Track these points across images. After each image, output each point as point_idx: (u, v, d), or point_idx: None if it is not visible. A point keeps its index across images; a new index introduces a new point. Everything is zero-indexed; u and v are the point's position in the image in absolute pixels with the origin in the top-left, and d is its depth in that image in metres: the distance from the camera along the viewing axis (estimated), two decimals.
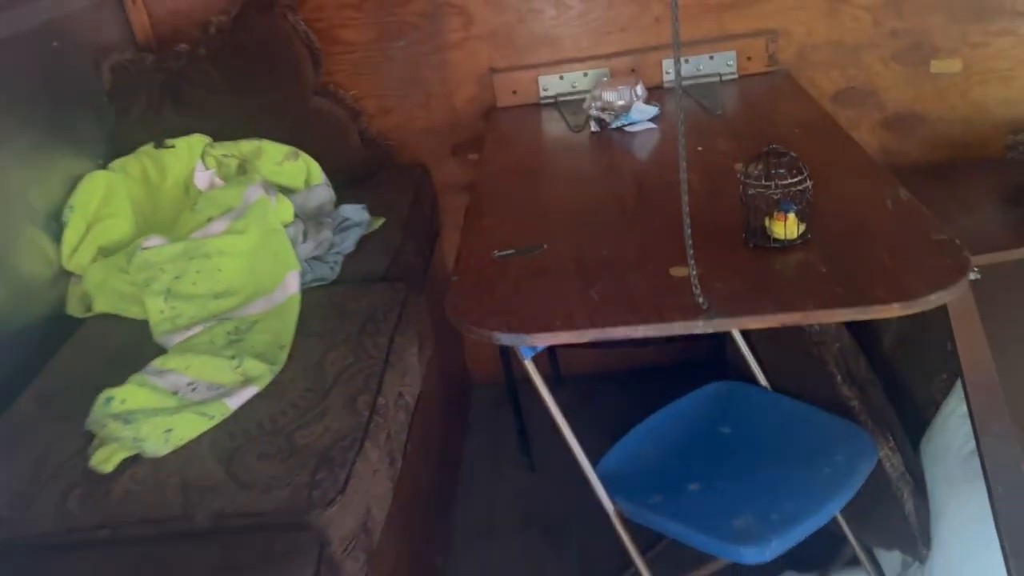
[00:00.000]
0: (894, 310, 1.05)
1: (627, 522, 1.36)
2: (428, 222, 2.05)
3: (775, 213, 1.21)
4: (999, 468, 1.28)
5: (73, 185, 1.69)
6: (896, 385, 1.68)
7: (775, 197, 1.20)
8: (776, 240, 1.21)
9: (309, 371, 1.32)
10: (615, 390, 2.28)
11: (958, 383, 1.51)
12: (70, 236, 1.62)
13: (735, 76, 2.01)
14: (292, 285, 1.48)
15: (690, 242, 1.09)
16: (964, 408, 1.46)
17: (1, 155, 1.56)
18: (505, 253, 1.33)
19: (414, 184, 2.08)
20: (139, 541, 1.06)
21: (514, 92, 2.07)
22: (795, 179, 1.19)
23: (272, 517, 1.06)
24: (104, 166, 1.77)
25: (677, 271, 1.19)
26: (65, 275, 1.64)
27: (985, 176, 1.98)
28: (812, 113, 1.77)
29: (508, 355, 2.05)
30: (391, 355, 1.38)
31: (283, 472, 1.11)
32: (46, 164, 1.68)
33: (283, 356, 1.33)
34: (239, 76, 1.96)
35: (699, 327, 1.08)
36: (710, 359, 2.05)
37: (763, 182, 1.20)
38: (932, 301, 1.05)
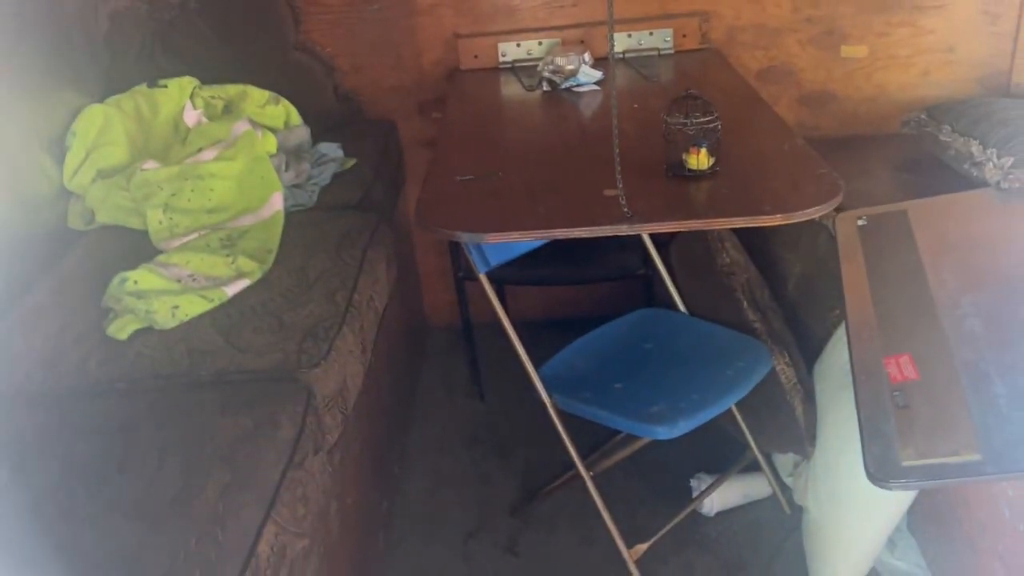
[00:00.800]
0: (777, 220, 1.31)
1: (563, 415, 1.61)
2: (395, 171, 2.27)
3: (690, 148, 1.47)
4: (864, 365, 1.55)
5: (74, 116, 1.87)
6: (798, 320, 1.96)
7: (690, 133, 1.45)
8: (690, 170, 1.47)
9: (294, 272, 1.53)
10: (559, 333, 2.52)
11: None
12: (72, 159, 1.80)
13: (671, 51, 2.27)
14: (277, 203, 1.69)
15: (619, 168, 1.33)
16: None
17: (10, 85, 1.73)
18: (466, 177, 1.56)
19: (383, 137, 2.30)
20: (152, 391, 1.26)
21: (476, 56, 2.30)
22: (707, 118, 1.45)
23: (267, 374, 1.27)
24: (101, 101, 1.95)
25: (609, 192, 1.44)
26: (66, 194, 1.82)
27: (882, 148, 2.27)
28: (735, 83, 2.04)
29: (465, 298, 2.28)
30: (364, 264, 1.60)
31: (275, 341, 1.32)
32: (49, 96, 1.86)
33: (271, 258, 1.54)
34: (225, 28, 2.15)
35: (624, 229, 1.33)
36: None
37: (681, 120, 1.46)
38: (808, 214, 1.31)
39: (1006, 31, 2.25)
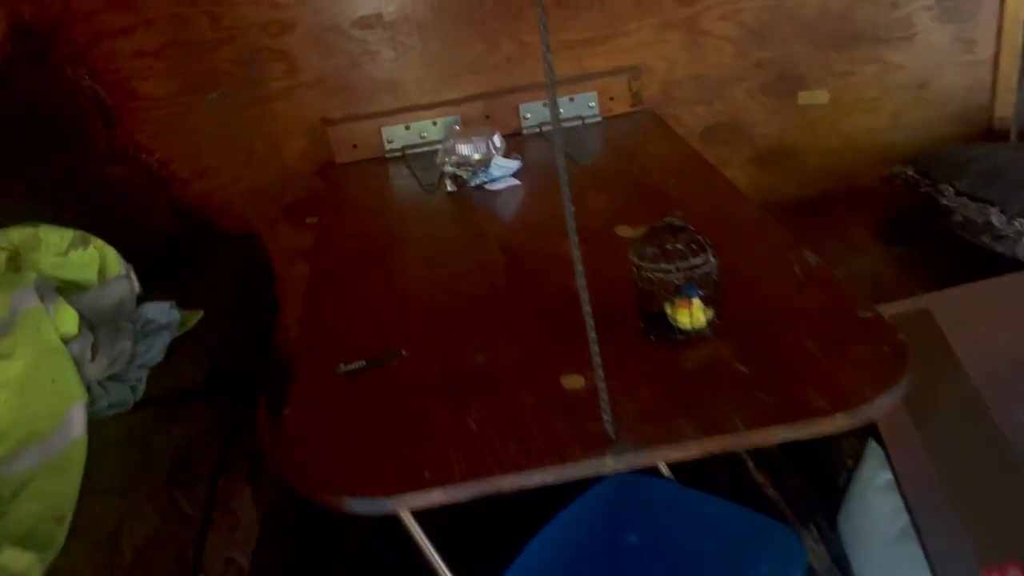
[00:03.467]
0: (839, 422, 0.85)
1: None
2: (261, 302, 1.74)
3: (677, 299, 1.00)
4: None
5: None
6: (802, 448, 1.53)
7: (676, 282, 0.99)
8: (681, 331, 1.01)
9: (99, 549, 0.99)
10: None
11: (868, 445, 1.37)
12: None
13: (598, 118, 1.82)
14: (76, 424, 1.14)
15: (602, 384, 0.85)
16: (882, 479, 1.31)
17: None
18: (353, 367, 1.06)
19: (242, 257, 1.77)
20: None
21: (354, 146, 1.80)
22: (698, 259, 0.99)
23: None
24: None
25: (570, 382, 0.96)
26: None
27: (859, 209, 1.88)
28: (685, 157, 1.61)
29: None
30: (214, 508, 1.07)
31: None
32: None
33: (61, 534, 0.99)
34: (7, 144, 1.58)
35: (608, 465, 0.85)
36: None
37: (661, 264, 0.99)
38: (880, 406, 0.86)
39: (984, 58, 1.90)
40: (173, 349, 1.37)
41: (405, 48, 1.77)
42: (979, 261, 1.57)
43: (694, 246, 1.00)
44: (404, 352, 1.07)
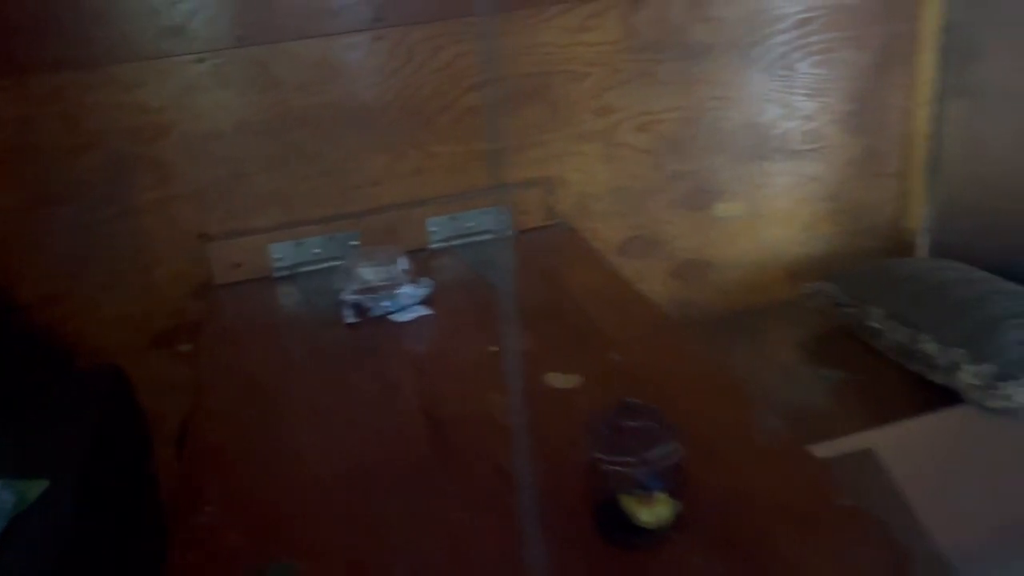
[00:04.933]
0: None
1: None
2: (125, 452, 1.47)
3: (637, 493, 0.85)
4: None
5: None
6: None
7: (636, 476, 0.84)
8: (642, 530, 0.85)
9: None
10: None
11: None
12: None
13: (511, 233, 1.68)
14: None
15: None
16: None
17: None
18: None
19: (101, 396, 1.50)
20: None
21: (237, 265, 1.58)
22: (665, 447, 0.84)
23: None
24: None
25: None
26: None
27: (779, 325, 1.81)
28: (607, 279, 1.48)
29: None
30: None
31: None
32: None
33: None
34: None
35: None
36: None
37: (622, 456, 0.83)
38: None
39: (893, 172, 1.89)
40: (8, 533, 1.10)
41: (298, 157, 1.59)
42: (914, 387, 1.50)
43: (657, 430, 0.85)
44: (299, 566, 0.87)
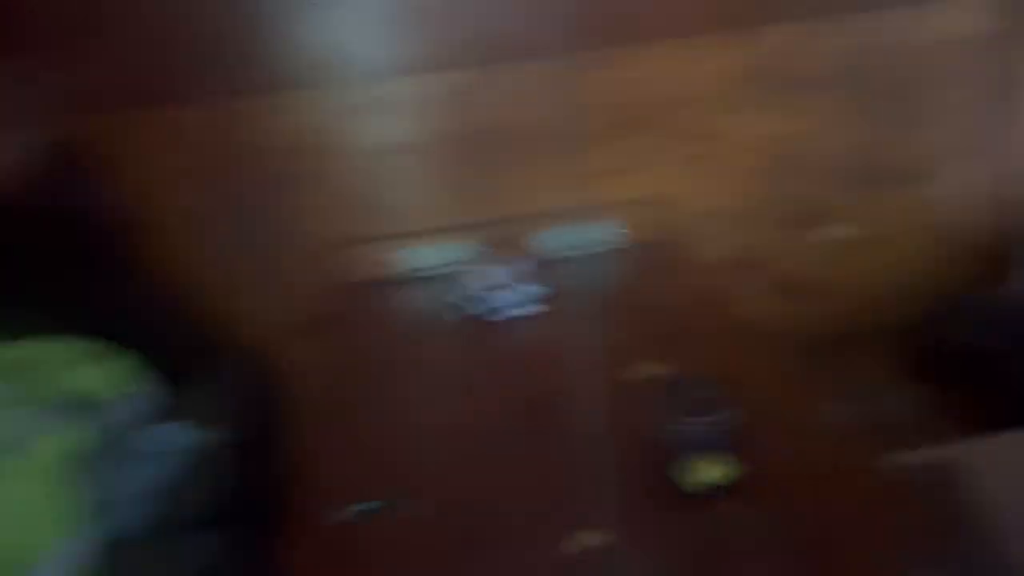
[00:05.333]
0: None
1: None
2: (271, 424, 1.69)
3: (697, 454, 0.96)
4: None
5: None
6: None
7: (696, 436, 0.95)
8: (701, 487, 0.95)
9: None
10: None
11: None
12: None
13: (619, 247, 1.81)
14: (69, 556, 1.09)
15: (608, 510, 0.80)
16: None
17: None
18: (357, 510, 1.01)
19: (254, 375, 1.73)
20: None
21: (370, 266, 1.80)
22: (720, 413, 0.95)
23: None
24: None
25: (584, 538, 0.91)
26: None
27: (886, 346, 1.84)
28: (705, 292, 1.59)
29: None
30: None
31: None
32: None
33: None
34: (35, 257, 1.59)
35: None
36: None
37: (682, 418, 0.95)
38: None
39: (1010, 198, 1.89)
40: (181, 473, 1.33)
41: (429, 173, 1.79)
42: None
43: (716, 399, 0.96)
44: (408, 498, 1.03)
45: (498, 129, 1.77)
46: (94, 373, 1.43)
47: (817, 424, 1.08)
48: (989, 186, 1.89)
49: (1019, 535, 1.24)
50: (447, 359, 1.44)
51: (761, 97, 1.78)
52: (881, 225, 1.90)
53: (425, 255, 1.80)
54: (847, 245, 1.90)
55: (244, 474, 1.42)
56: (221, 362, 1.75)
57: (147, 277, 1.72)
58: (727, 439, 0.94)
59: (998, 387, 1.56)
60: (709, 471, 0.95)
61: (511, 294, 1.56)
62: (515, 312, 1.55)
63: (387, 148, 1.76)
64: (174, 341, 1.70)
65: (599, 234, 1.81)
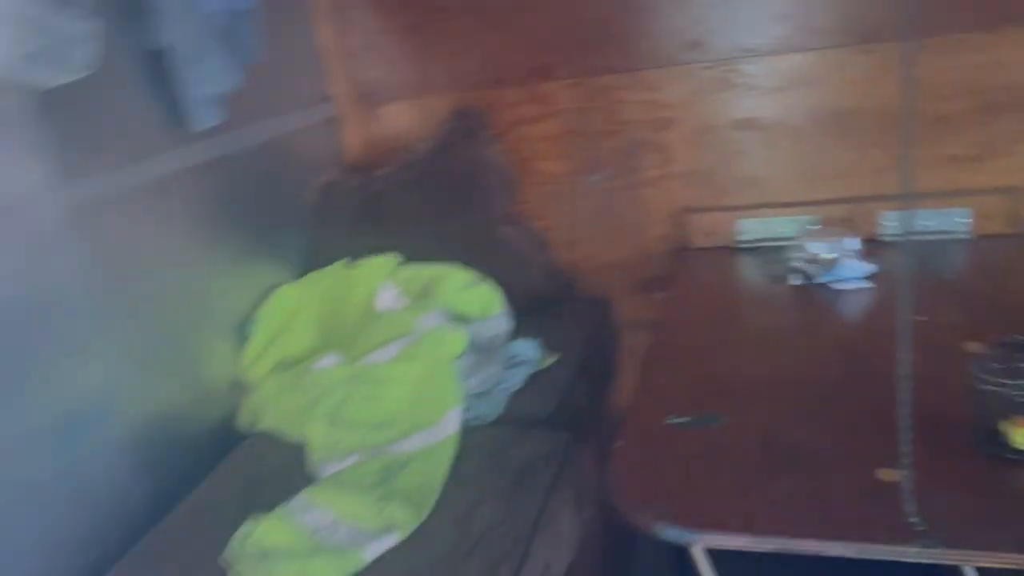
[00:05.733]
0: None
1: None
2: (605, 362, 1.94)
3: (1016, 417, 0.99)
4: None
5: (265, 296, 1.76)
6: None
7: (1018, 400, 0.99)
8: (1016, 450, 0.99)
9: (454, 524, 1.22)
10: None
11: None
12: (252, 347, 1.67)
13: (968, 236, 1.77)
14: (452, 424, 1.41)
15: (907, 446, 0.90)
16: None
17: (206, 265, 1.65)
18: (679, 420, 1.19)
19: (594, 319, 1.99)
20: None
21: (708, 234, 1.96)
22: None
23: None
24: (297, 279, 1.83)
25: (886, 475, 1.00)
26: (241, 387, 1.68)
27: None
28: None
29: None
30: (543, 517, 1.26)
31: None
32: (244, 276, 1.76)
33: (431, 502, 1.25)
34: (434, 202, 1.98)
35: (911, 553, 0.88)
36: None
37: (1002, 379, 0.99)
38: None
39: None
40: (530, 381, 1.62)
41: (775, 150, 1.90)
42: None
43: None
44: (728, 417, 1.18)
45: (850, 111, 1.82)
46: (474, 295, 1.77)
47: None
48: None
49: None
50: (777, 317, 1.56)
51: None
52: None
53: (768, 226, 1.91)
54: None
55: (582, 391, 1.67)
56: (570, 302, 2.04)
57: (519, 227, 2.05)
58: None
59: None
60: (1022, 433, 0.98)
61: (845, 268, 1.63)
62: (846, 286, 1.61)
63: (734, 124, 1.91)
64: (534, 281, 2.01)
65: (947, 221, 1.78)
